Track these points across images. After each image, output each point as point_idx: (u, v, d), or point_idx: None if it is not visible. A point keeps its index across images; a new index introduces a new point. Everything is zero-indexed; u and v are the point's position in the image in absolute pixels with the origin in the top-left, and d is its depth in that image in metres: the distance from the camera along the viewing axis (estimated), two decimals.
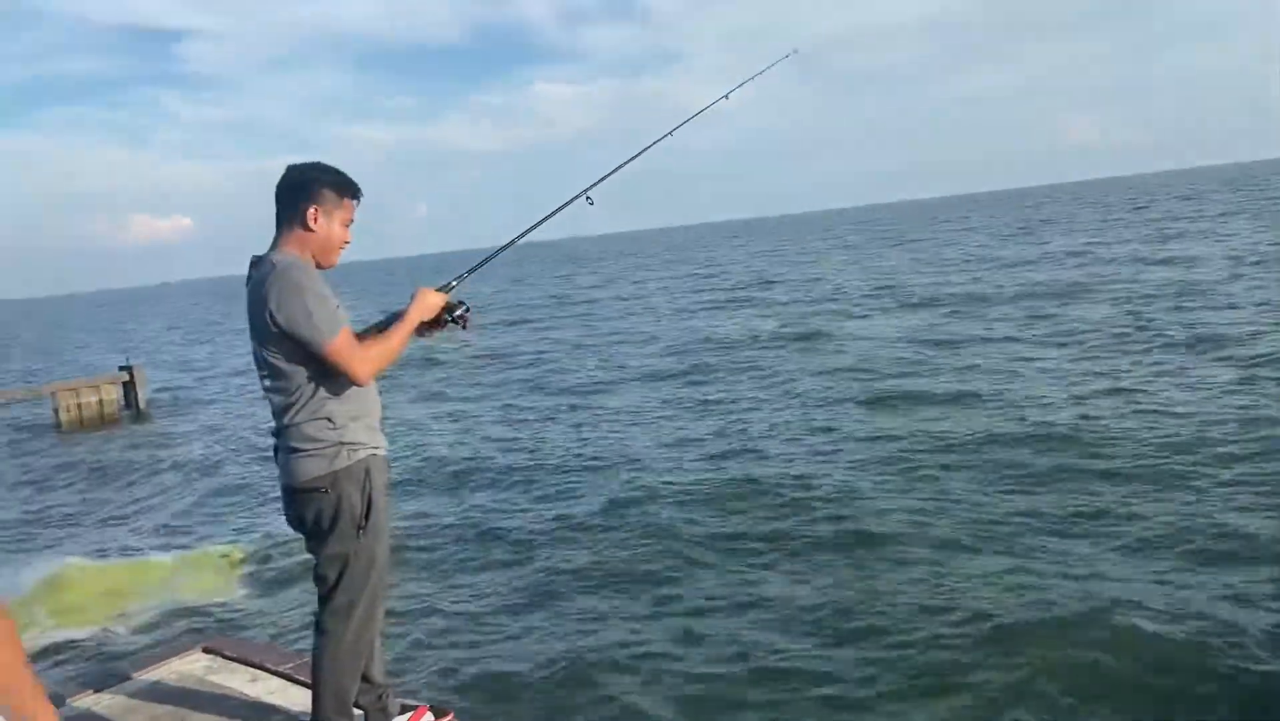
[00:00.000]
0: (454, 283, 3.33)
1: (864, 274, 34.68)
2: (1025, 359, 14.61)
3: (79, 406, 21.65)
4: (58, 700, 3.97)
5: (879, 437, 10.80)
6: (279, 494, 3.15)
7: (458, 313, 3.24)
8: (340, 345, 2.87)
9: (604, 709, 5.17)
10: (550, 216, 3.76)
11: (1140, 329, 16.01)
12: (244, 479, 13.47)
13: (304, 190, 2.97)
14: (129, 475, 14.91)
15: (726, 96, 4.73)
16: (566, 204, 3.80)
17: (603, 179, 3.91)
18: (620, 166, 4.05)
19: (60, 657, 7.09)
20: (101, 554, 10.20)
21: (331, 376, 2.93)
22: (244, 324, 3.08)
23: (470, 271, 3.47)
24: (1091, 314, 18.30)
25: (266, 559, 9.24)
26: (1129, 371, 12.88)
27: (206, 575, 8.87)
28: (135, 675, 4.15)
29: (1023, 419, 10.76)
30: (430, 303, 3.15)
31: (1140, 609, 5.62)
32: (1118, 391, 11.71)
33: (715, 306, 29.18)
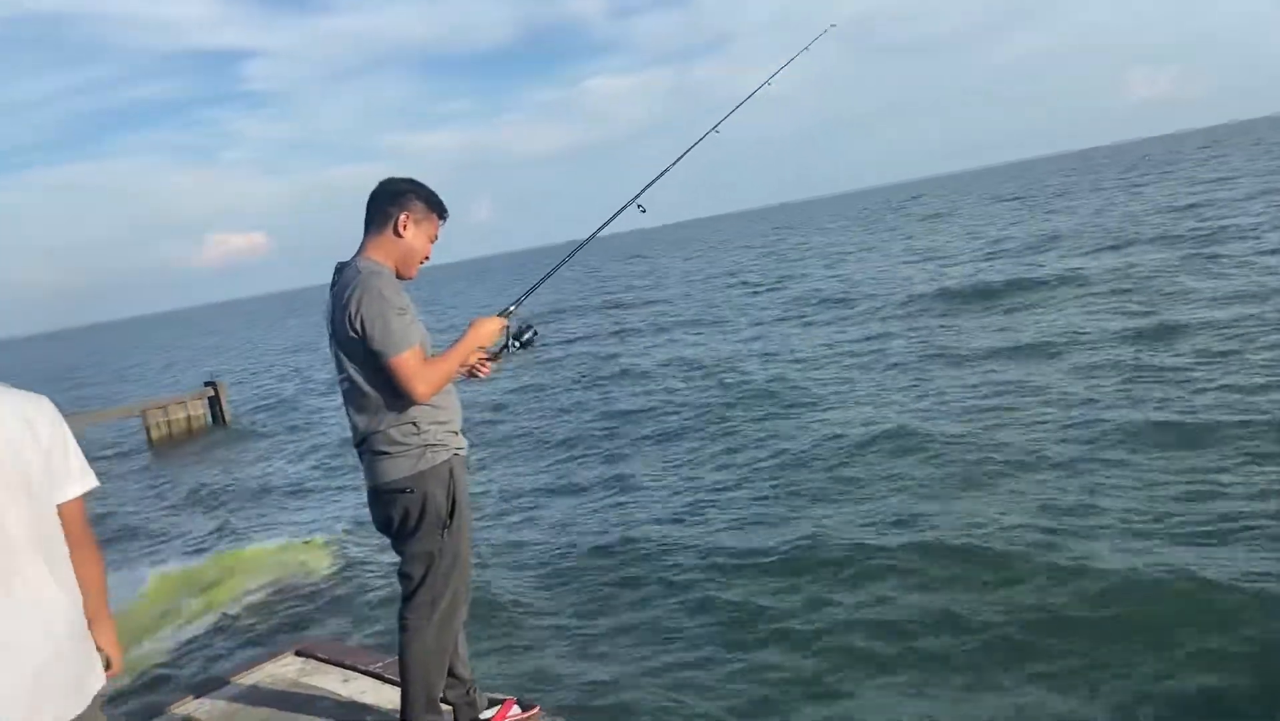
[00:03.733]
0: (512, 308, 3.35)
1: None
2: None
3: (168, 423, 22.42)
4: (158, 708, 4.11)
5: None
6: (365, 496, 3.20)
7: (525, 337, 3.27)
8: (406, 360, 2.92)
9: (685, 707, 5.14)
10: (602, 228, 3.79)
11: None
12: (330, 484, 13.81)
13: (398, 199, 3.07)
14: (217, 487, 15.38)
15: (769, 82, 4.68)
16: (617, 214, 3.81)
17: (651, 183, 3.89)
18: (667, 169, 4.04)
19: (160, 663, 7.33)
20: (196, 562, 10.53)
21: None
22: (323, 335, 3.15)
23: (526, 294, 3.50)
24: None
25: (354, 561, 9.44)
26: None
27: (297, 580, 9.09)
28: (232, 679, 4.27)
29: None
30: (487, 330, 3.18)
31: None
32: None
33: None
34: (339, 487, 13.36)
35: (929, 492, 7.98)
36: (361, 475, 3.16)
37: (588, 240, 3.74)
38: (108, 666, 2.36)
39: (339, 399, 3.17)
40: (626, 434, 12.93)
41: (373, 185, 3.17)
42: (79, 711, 2.19)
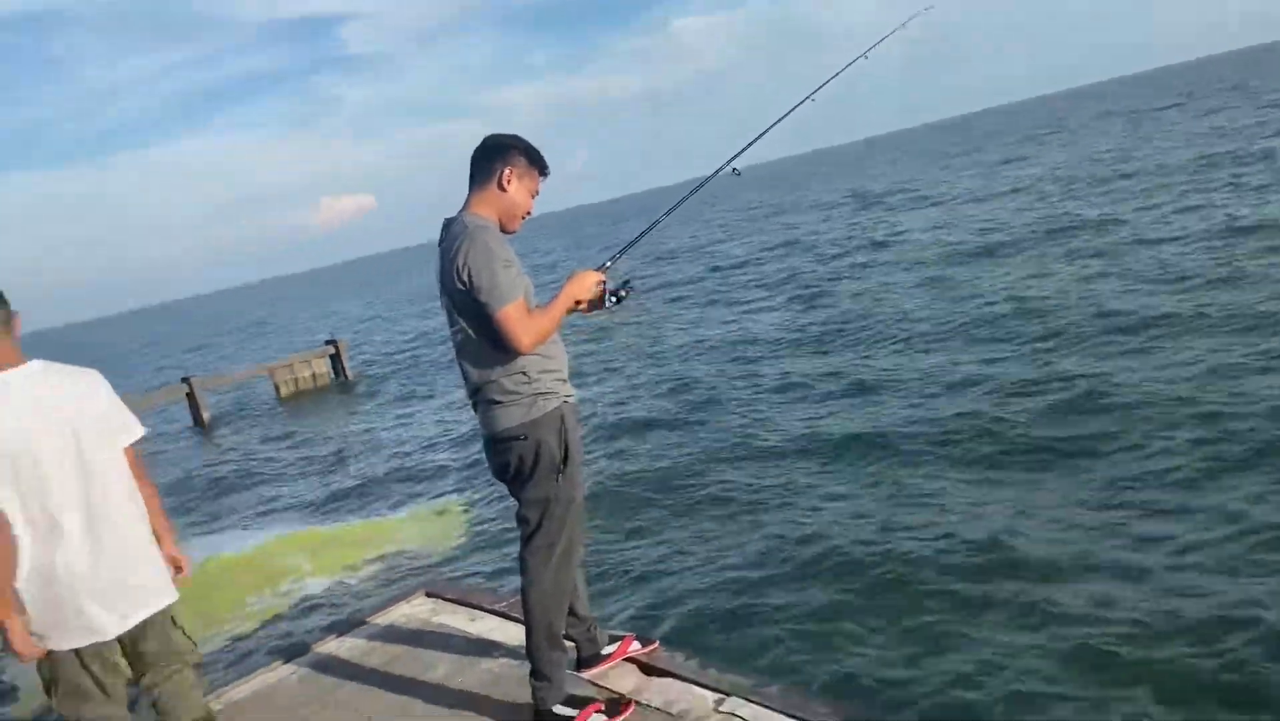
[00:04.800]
0: (609, 263, 3.40)
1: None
2: None
3: (295, 380, 23.47)
4: (304, 646, 4.41)
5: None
6: (475, 443, 3.35)
7: (622, 292, 3.32)
8: (511, 313, 3.00)
9: (805, 647, 5.20)
10: (697, 190, 3.79)
11: None
12: (449, 435, 14.29)
13: (501, 153, 3.16)
14: (345, 440, 16.10)
15: (865, 55, 4.55)
16: (711, 176, 3.80)
17: (746, 147, 3.85)
18: (762, 134, 3.96)
19: (305, 608, 7.80)
20: (327, 515, 11.10)
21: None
22: (435, 291, 3.27)
23: (624, 250, 3.54)
24: None
25: (475, 508, 9.80)
26: None
27: (422, 527, 9.50)
28: (368, 620, 4.54)
29: None
30: (586, 283, 3.24)
31: None
32: None
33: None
34: (459, 436, 13.82)
35: None
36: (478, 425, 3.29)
37: (683, 200, 3.75)
38: (178, 570, 3.05)
39: (453, 352, 3.30)
40: (730, 371, 12.98)
41: (472, 141, 3.25)
42: (166, 603, 2.91)
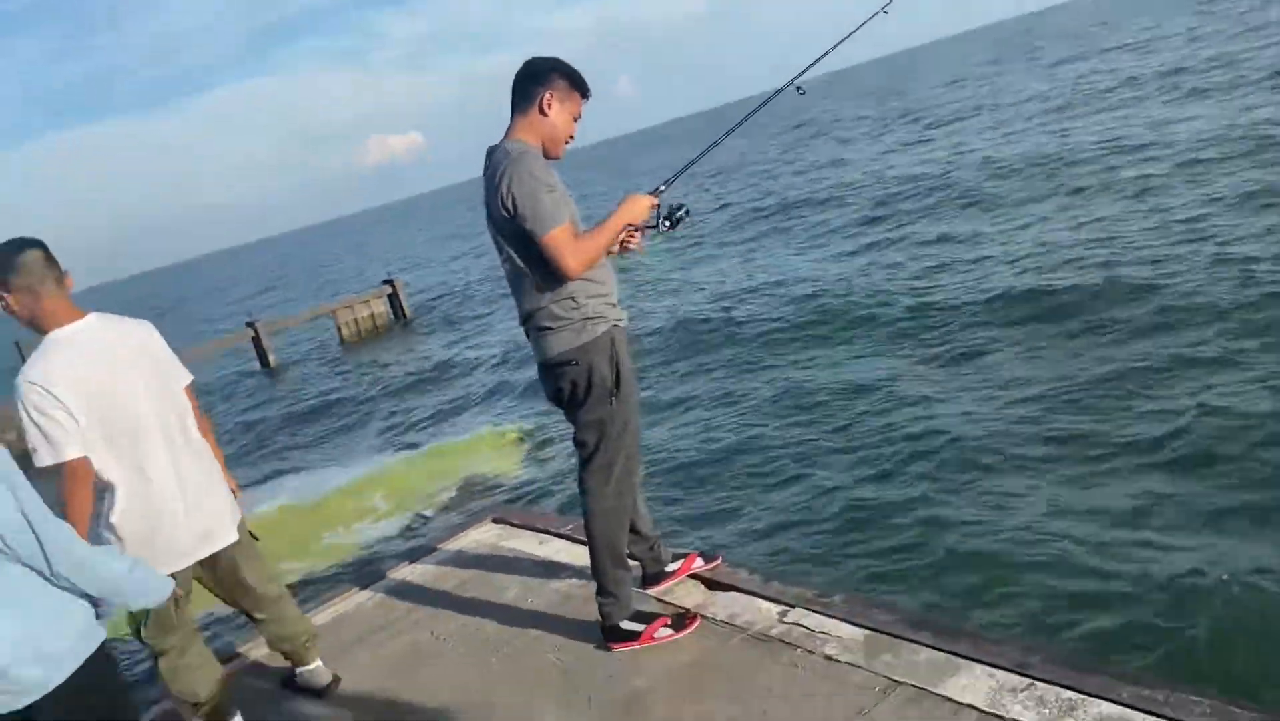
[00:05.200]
0: (662, 187, 3.34)
1: None
2: None
3: (355, 321, 23.88)
4: (379, 573, 4.55)
5: None
6: (532, 372, 3.38)
7: (676, 216, 3.27)
8: (557, 237, 2.98)
9: (868, 563, 5.24)
10: (756, 111, 3.68)
11: None
12: (508, 364, 14.50)
13: (541, 78, 3.11)
14: (407, 378, 16.42)
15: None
16: (773, 96, 3.67)
17: (812, 64, 3.69)
18: (829, 51, 3.76)
19: (378, 542, 8.06)
20: (396, 450, 11.37)
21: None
22: (482, 226, 3.28)
23: (677, 174, 3.48)
24: None
25: (536, 434, 9.97)
26: None
27: (487, 457, 9.71)
28: (439, 546, 4.66)
29: None
30: (638, 207, 3.20)
31: None
32: None
33: None
34: (518, 366, 13.99)
35: None
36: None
37: (740, 123, 3.64)
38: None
39: (493, 291, 3.32)
40: (783, 296, 12.87)
41: (513, 72, 3.21)
42: (235, 531, 3.14)
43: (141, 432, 2.88)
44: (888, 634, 2.94)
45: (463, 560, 4.42)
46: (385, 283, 25.13)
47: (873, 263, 13.47)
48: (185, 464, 2.99)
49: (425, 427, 12.41)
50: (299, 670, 3.48)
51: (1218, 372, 6.50)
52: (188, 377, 3.14)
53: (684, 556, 3.69)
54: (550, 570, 4.05)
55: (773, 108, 3.83)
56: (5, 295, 2.75)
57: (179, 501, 2.95)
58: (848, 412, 7.55)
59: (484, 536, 4.64)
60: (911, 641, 2.87)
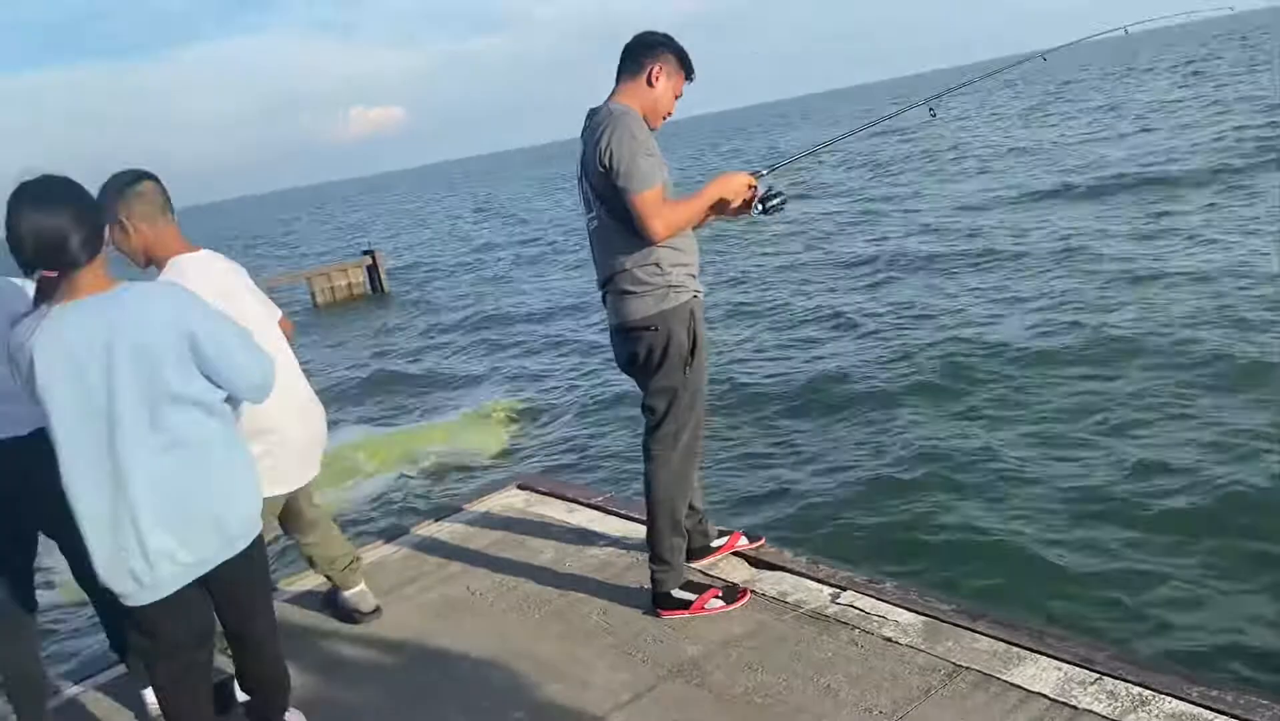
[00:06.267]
0: (764, 171, 3.38)
1: None
2: None
3: (331, 289, 23.60)
4: (403, 529, 4.53)
5: None
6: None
7: (772, 202, 3.30)
8: (648, 198, 3.02)
9: (914, 553, 5.35)
10: (880, 122, 3.71)
11: None
12: (487, 343, 14.50)
13: (654, 49, 3.19)
14: (382, 346, 16.31)
15: (1125, 29, 4.16)
16: (902, 111, 3.70)
17: (953, 90, 3.71)
18: (973, 81, 3.78)
19: (390, 500, 7.98)
20: (375, 421, 11.24)
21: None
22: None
23: (786, 163, 3.55)
24: None
25: (523, 423, 9.95)
26: None
27: (489, 429, 9.66)
28: (465, 507, 4.65)
29: None
30: (733, 184, 3.24)
31: None
32: None
33: None
34: (495, 348, 14.00)
35: None
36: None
37: (867, 126, 3.67)
38: None
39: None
40: (851, 284, 13.01)
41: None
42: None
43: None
44: (947, 621, 2.99)
45: (490, 521, 4.41)
46: (365, 253, 24.90)
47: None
48: (301, 391, 3.18)
49: (405, 398, 12.31)
50: (343, 593, 3.52)
51: None
52: (278, 313, 3.21)
53: (728, 533, 3.73)
54: (584, 537, 4.06)
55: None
56: (126, 224, 2.77)
57: (302, 430, 3.15)
58: (898, 408, 7.72)
59: (510, 501, 4.63)
60: (971, 630, 2.93)
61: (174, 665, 2.48)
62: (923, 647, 2.88)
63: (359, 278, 24.12)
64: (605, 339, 12.40)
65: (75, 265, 2.17)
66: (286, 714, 2.83)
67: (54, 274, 2.16)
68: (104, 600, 2.66)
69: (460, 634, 3.40)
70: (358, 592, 3.53)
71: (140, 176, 2.82)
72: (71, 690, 3.42)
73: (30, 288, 2.74)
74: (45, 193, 2.19)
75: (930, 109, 3.62)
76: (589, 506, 4.36)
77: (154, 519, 2.25)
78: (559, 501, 4.50)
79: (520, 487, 4.77)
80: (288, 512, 3.29)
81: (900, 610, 3.10)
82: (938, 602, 3.12)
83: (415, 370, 14.11)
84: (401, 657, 3.33)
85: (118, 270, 2.35)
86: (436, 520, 4.54)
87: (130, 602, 2.33)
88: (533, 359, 13.29)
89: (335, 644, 3.48)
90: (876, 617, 3.08)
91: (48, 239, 2.13)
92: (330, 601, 3.66)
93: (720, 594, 3.31)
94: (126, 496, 2.23)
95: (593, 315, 15.61)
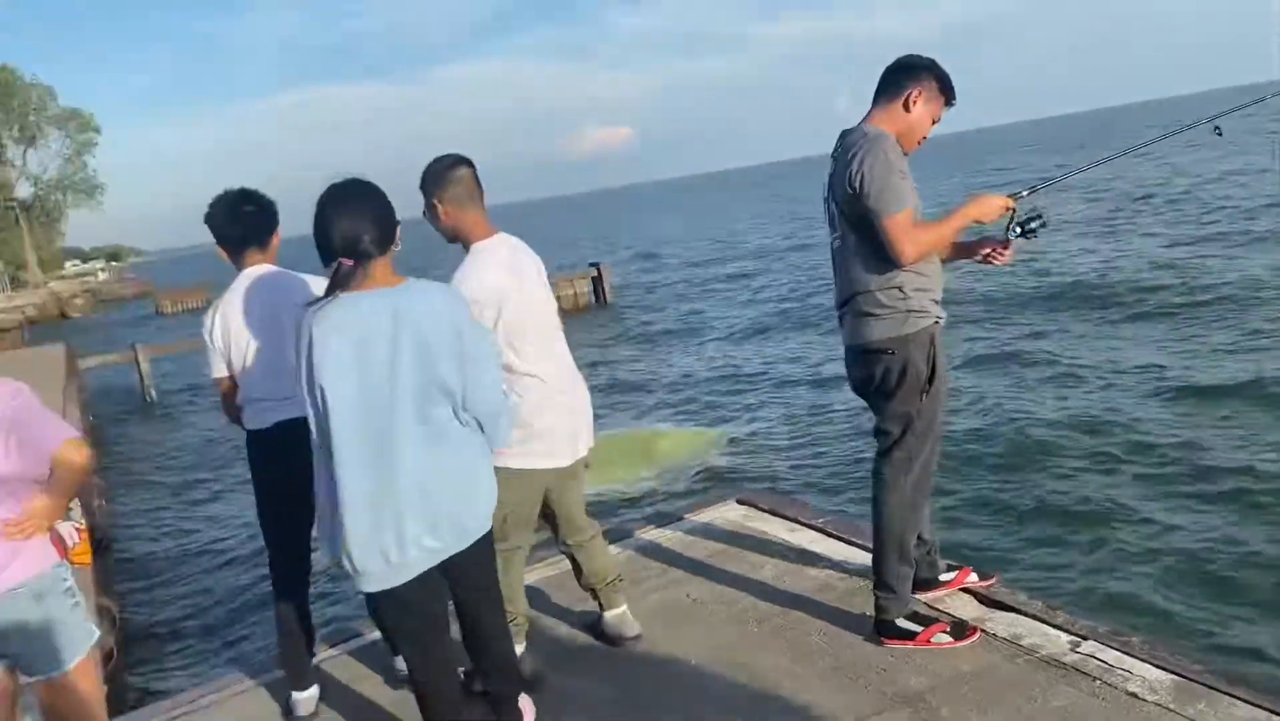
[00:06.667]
0: (1024, 193, 3.27)
1: None
2: None
3: (558, 299, 24.62)
4: (626, 532, 4.67)
5: None
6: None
7: (1030, 225, 3.19)
8: (900, 220, 3.00)
9: (1158, 610, 5.01)
10: (1161, 140, 3.53)
11: None
12: (712, 364, 14.66)
13: (914, 73, 3.15)
14: (603, 357, 16.86)
15: None
16: (1187, 128, 3.50)
17: (1243, 107, 3.48)
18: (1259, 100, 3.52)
19: (609, 503, 8.24)
20: (602, 424, 11.59)
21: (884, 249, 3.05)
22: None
23: (1048, 183, 3.41)
24: None
25: (744, 427, 10.01)
26: None
27: (704, 442, 9.80)
28: (685, 516, 4.74)
29: None
30: (989, 207, 3.16)
31: None
32: None
33: None
34: (706, 367, 14.14)
35: None
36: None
37: (1150, 143, 3.49)
38: None
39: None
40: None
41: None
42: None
43: (542, 336, 3.15)
44: (1200, 683, 2.77)
45: (711, 533, 4.48)
46: (592, 265, 25.85)
47: None
48: (569, 373, 3.28)
49: (617, 407, 12.68)
50: (605, 614, 3.50)
51: None
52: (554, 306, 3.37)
53: (958, 568, 3.61)
54: (805, 556, 4.04)
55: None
56: (438, 206, 3.02)
57: (569, 405, 3.22)
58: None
59: (730, 515, 4.68)
60: (1229, 695, 2.70)
61: (416, 646, 2.59)
62: (1172, 707, 2.68)
63: (584, 289, 25.07)
64: (828, 361, 12.30)
65: (369, 257, 2.38)
66: (519, 701, 2.94)
67: (350, 262, 2.37)
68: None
69: (681, 639, 3.47)
70: (619, 615, 3.50)
71: (457, 163, 3.04)
72: (329, 652, 3.77)
73: (314, 282, 3.09)
74: (350, 194, 2.44)
75: (1216, 128, 3.38)
76: (810, 527, 4.34)
77: (411, 504, 2.39)
78: (779, 519, 4.50)
79: (740, 502, 4.81)
80: (558, 504, 3.31)
81: (1148, 666, 2.90)
82: (1189, 662, 2.90)
83: (633, 379, 14.52)
84: (625, 655, 3.44)
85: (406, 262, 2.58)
86: (658, 526, 4.65)
87: (371, 585, 2.43)
88: (749, 377, 13.37)
89: (560, 635, 3.65)
90: (1121, 671, 2.89)
91: (350, 233, 2.36)
92: (593, 624, 3.62)
93: (948, 629, 3.22)
94: (393, 480, 2.37)
95: (814, 337, 15.49)
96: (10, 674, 2.50)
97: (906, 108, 3.14)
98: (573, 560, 3.46)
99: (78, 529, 2.61)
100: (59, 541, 2.54)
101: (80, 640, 2.53)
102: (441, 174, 3.02)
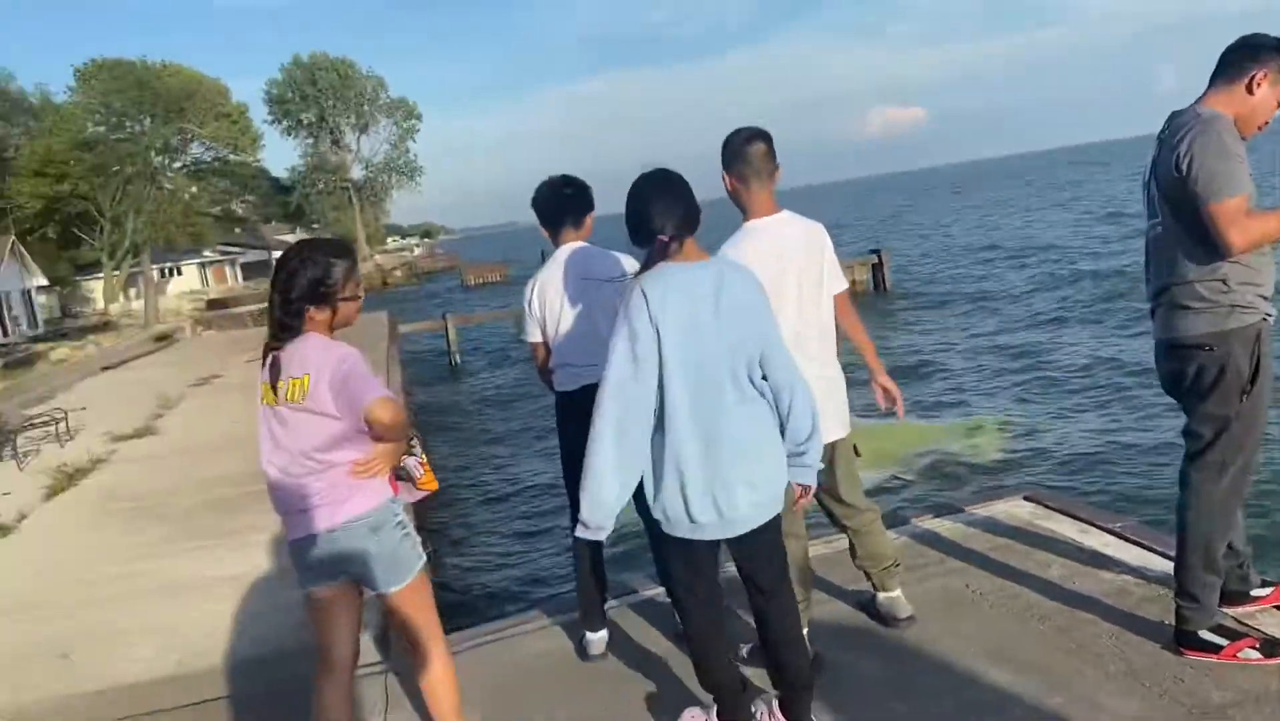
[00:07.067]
0: None
1: None
2: None
3: None
4: (903, 519, 4.67)
5: None
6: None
7: None
8: (1230, 206, 2.80)
9: None
10: None
11: None
12: (1005, 352, 14.04)
13: (1259, 54, 2.94)
14: (879, 342, 16.52)
15: None
16: None
17: None
18: None
19: (887, 489, 8.21)
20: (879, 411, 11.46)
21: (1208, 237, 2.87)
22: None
23: None
24: None
25: (1028, 423, 9.54)
26: None
27: (985, 436, 9.48)
28: (967, 509, 4.67)
29: None
30: None
31: None
32: None
33: None
34: (1010, 356, 13.46)
35: None
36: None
37: None
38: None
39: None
40: None
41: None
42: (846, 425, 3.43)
43: (790, 313, 3.13)
44: None
45: (993, 527, 4.39)
46: (873, 251, 25.34)
47: None
48: (830, 354, 3.35)
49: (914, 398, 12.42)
50: (879, 596, 3.57)
51: None
52: (842, 286, 3.39)
53: (1275, 584, 3.35)
54: (1097, 559, 3.88)
55: None
56: (727, 178, 3.22)
57: (824, 383, 3.21)
58: None
59: (1016, 510, 4.57)
60: None
61: (709, 611, 2.75)
62: None
63: (863, 275, 24.66)
64: (1127, 358, 11.44)
65: (683, 237, 2.58)
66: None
67: (667, 239, 2.57)
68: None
69: (957, 627, 3.46)
70: (894, 598, 3.55)
71: (752, 137, 3.17)
72: (612, 602, 4.07)
73: (624, 259, 3.38)
74: (664, 182, 2.66)
75: None
76: (1104, 530, 4.15)
77: (734, 460, 2.55)
78: (1069, 519, 4.33)
79: (1027, 499, 4.67)
80: (827, 486, 3.36)
81: None
82: None
83: (912, 366, 14.17)
84: (897, 637, 3.48)
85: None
86: (936, 515, 4.62)
87: (706, 534, 2.60)
88: (1034, 369, 12.70)
89: (834, 612, 3.74)
90: None
91: (665, 215, 2.57)
92: (865, 604, 3.68)
93: (1257, 645, 3.00)
94: (718, 437, 2.55)
95: (1108, 331, 14.43)
96: (355, 586, 2.91)
97: (1250, 90, 2.91)
98: (850, 540, 3.53)
99: (421, 463, 3.01)
100: (395, 482, 2.94)
101: (411, 563, 2.91)
102: (738, 148, 3.16)
